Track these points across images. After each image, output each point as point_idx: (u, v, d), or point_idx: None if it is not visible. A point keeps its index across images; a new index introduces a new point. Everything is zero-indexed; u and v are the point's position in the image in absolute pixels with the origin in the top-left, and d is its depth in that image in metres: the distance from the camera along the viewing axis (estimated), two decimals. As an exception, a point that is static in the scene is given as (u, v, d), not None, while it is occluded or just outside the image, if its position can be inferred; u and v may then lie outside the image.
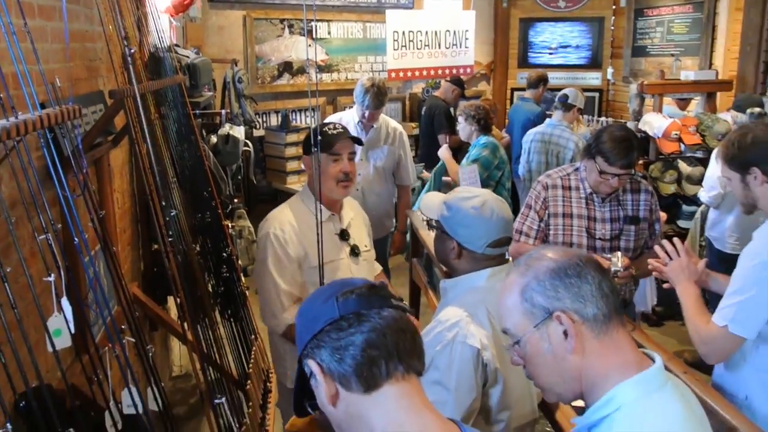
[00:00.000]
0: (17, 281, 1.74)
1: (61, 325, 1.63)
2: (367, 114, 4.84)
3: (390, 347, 1.26)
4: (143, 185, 3.91)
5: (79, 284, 1.85)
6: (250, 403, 3.57)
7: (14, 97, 1.65)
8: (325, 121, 4.05)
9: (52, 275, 1.61)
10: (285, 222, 3.03)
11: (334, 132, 3.00)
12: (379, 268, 3.47)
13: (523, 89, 9.80)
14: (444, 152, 5.58)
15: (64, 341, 1.64)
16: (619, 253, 3.14)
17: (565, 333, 1.43)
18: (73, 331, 1.65)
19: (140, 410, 1.93)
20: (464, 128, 5.42)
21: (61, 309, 1.64)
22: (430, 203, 2.74)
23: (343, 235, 3.10)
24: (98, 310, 2.50)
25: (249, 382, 3.66)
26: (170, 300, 4.34)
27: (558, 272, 1.47)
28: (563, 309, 1.44)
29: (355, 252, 3.10)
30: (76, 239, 1.76)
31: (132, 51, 2.62)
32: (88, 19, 3.35)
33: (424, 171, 6.49)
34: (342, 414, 1.29)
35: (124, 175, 3.95)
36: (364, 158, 4.93)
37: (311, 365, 1.32)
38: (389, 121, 5.14)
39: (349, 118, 4.92)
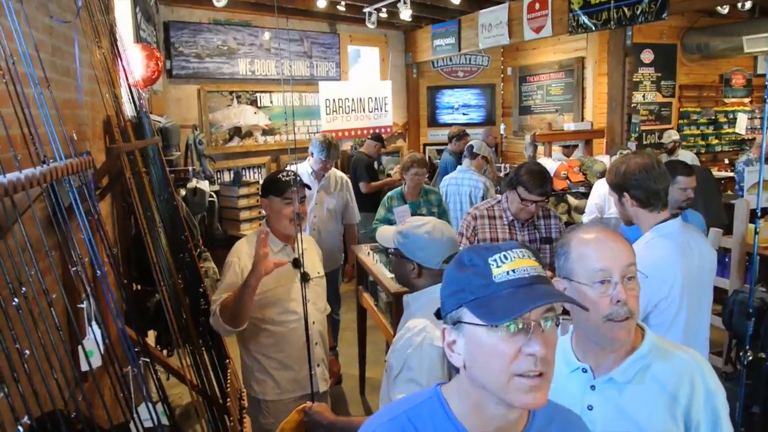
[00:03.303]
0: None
1: (92, 346, 1.55)
2: (323, 165, 4.88)
3: None
4: (125, 232, 3.79)
5: (103, 311, 1.76)
6: (231, 418, 3.46)
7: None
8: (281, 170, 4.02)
9: (85, 302, 1.53)
10: (243, 252, 2.97)
11: (287, 179, 2.97)
12: (328, 309, 3.36)
13: (432, 144, 10.07)
14: None
15: (96, 361, 1.56)
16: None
17: None
18: (102, 352, 1.57)
19: (156, 423, 1.84)
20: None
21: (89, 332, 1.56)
22: (385, 235, 2.75)
23: (296, 263, 3.02)
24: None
25: (228, 399, 3.55)
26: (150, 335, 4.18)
27: None
28: None
29: (305, 278, 3.02)
30: (98, 272, 1.68)
31: (127, 116, 2.56)
32: (75, 89, 3.26)
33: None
34: None
35: (108, 225, 3.81)
36: (319, 203, 4.97)
37: None
38: (336, 171, 5.18)
39: (302, 169, 4.91)
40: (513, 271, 1.12)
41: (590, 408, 1.56)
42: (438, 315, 1.24)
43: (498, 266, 1.12)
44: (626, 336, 1.52)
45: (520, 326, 1.08)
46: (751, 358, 1.34)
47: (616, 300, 1.49)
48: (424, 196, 5.20)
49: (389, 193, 5.21)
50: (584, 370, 1.59)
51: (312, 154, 4.91)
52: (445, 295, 1.20)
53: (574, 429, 1.32)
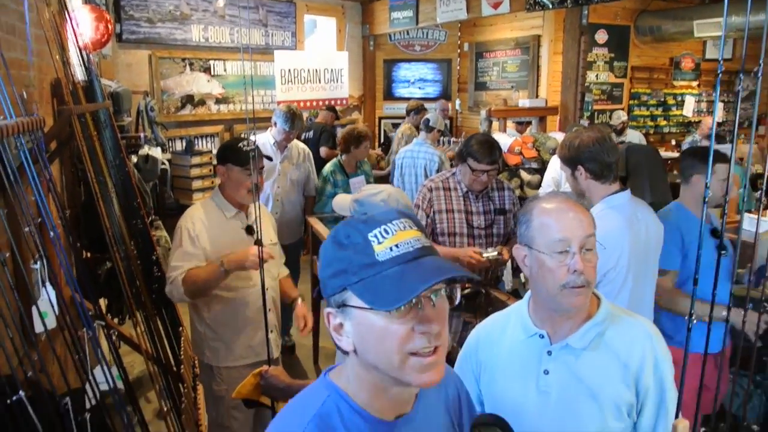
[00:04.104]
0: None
1: (47, 307, 1.53)
2: (286, 136, 4.85)
3: None
4: (75, 199, 3.70)
5: (56, 273, 1.73)
6: (185, 385, 3.45)
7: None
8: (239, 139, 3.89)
9: (38, 263, 1.50)
10: (196, 218, 2.92)
11: (247, 149, 2.89)
12: (285, 271, 3.33)
13: (388, 118, 10.07)
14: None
15: (51, 322, 1.54)
16: (490, 249, 3.30)
17: None
18: (57, 312, 1.55)
19: (111, 386, 1.83)
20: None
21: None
22: (341, 203, 2.77)
23: (249, 230, 2.98)
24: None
25: (182, 366, 3.54)
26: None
27: None
28: None
29: (259, 243, 3.01)
30: (51, 233, 1.65)
31: (77, 78, 2.49)
32: (21, 49, 3.15)
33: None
34: None
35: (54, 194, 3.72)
36: (283, 174, 4.95)
37: None
38: (298, 143, 5.18)
39: (264, 140, 4.87)
40: (396, 246, 1.05)
41: (546, 373, 1.62)
42: (319, 296, 1.20)
43: (379, 242, 1.05)
44: (582, 302, 1.57)
45: (411, 303, 1.03)
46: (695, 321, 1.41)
47: (573, 270, 1.54)
48: (360, 168, 5.32)
49: (329, 168, 5.22)
50: (541, 336, 1.64)
51: (275, 124, 4.86)
52: (326, 277, 1.10)
53: (450, 380, 1.35)
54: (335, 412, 1.12)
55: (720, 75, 1.40)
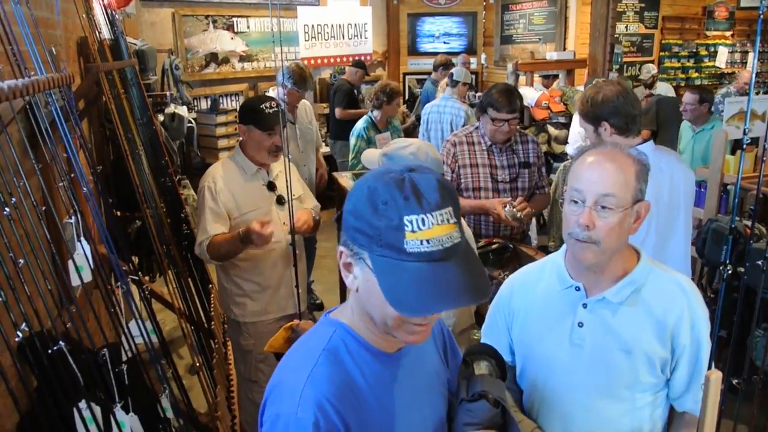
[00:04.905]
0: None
1: (82, 261, 1.55)
2: (297, 96, 4.64)
3: None
4: (104, 158, 3.74)
5: (90, 228, 1.76)
6: (216, 340, 3.52)
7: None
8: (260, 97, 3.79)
9: (72, 218, 1.52)
10: (218, 176, 2.92)
11: (270, 111, 2.88)
12: (310, 205, 3.24)
13: (412, 74, 9.94)
14: None
15: (86, 275, 1.57)
16: (514, 203, 3.24)
17: (637, 217, 1.57)
18: (92, 266, 1.58)
19: (146, 339, 1.87)
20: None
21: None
22: (370, 157, 2.75)
23: (271, 186, 2.99)
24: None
25: (213, 323, 3.60)
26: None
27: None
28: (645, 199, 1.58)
29: (280, 201, 2.99)
30: (84, 188, 1.67)
31: (103, 36, 2.48)
32: (48, 8, 3.15)
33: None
34: None
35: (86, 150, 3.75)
36: (295, 135, 4.73)
37: None
38: (304, 101, 4.97)
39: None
40: (428, 241, 1.03)
41: (581, 325, 1.61)
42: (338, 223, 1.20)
43: (413, 230, 1.03)
44: (591, 259, 1.55)
45: None
46: (731, 271, 1.38)
47: (578, 221, 1.53)
48: (390, 123, 5.28)
49: (360, 125, 5.15)
50: (577, 288, 1.63)
51: (283, 84, 4.55)
52: (350, 224, 1.09)
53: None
54: (342, 345, 1.17)
55: (762, 16, 1.34)
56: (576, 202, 1.55)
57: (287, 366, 1.20)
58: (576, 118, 5.30)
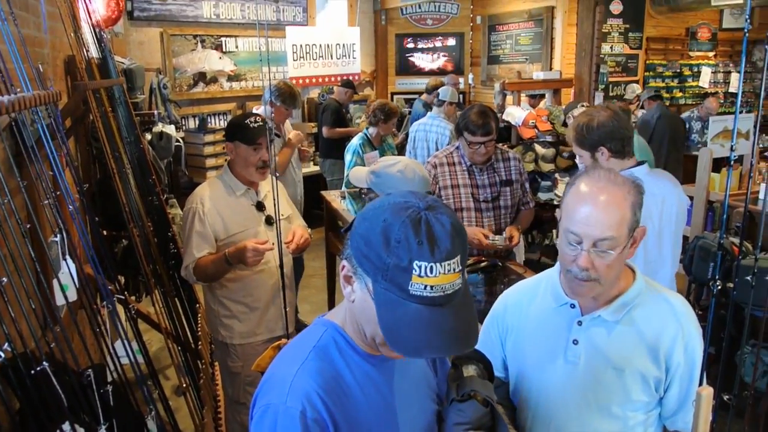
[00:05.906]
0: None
1: (67, 280, 1.53)
2: (286, 114, 4.69)
3: None
4: (90, 176, 3.71)
5: (76, 247, 1.73)
6: (203, 361, 3.47)
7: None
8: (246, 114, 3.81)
9: (58, 236, 1.50)
10: (205, 197, 2.88)
11: (255, 126, 2.87)
12: (298, 226, 3.15)
13: (400, 93, 10.00)
14: None
15: (72, 295, 1.54)
16: (498, 237, 3.30)
17: (633, 242, 1.52)
18: (78, 285, 1.55)
19: (132, 360, 1.84)
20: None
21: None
22: (358, 175, 2.76)
23: (259, 206, 2.97)
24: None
25: (200, 343, 3.56)
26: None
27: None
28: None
29: (269, 221, 2.96)
30: (70, 206, 1.65)
31: (91, 54, 2.47)
32: (35, 26, 3.14)
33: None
34: None
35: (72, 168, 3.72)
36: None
37: None
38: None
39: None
40: (431, 288, 1.05)
41: (575, 343, 1.60)
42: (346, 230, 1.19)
43: (419, 275, 1.05)
44: (587, 293, 1.54)
45: None
46: (720, 287, 1.38)
47: (577, 263, 1.50)
48: (384, 141, 5.31)
49: (356, 142, 5.17)
50: (572, 306, 1.62)
51: (271, 102, 4.54)
52: (360, 251, 1.11)
53: None
54: (332, 343, 1.22)
55: (747, 35, 1.35)
56: (571, 243, 1.51)
57: (279, 361, 1.25)
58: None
